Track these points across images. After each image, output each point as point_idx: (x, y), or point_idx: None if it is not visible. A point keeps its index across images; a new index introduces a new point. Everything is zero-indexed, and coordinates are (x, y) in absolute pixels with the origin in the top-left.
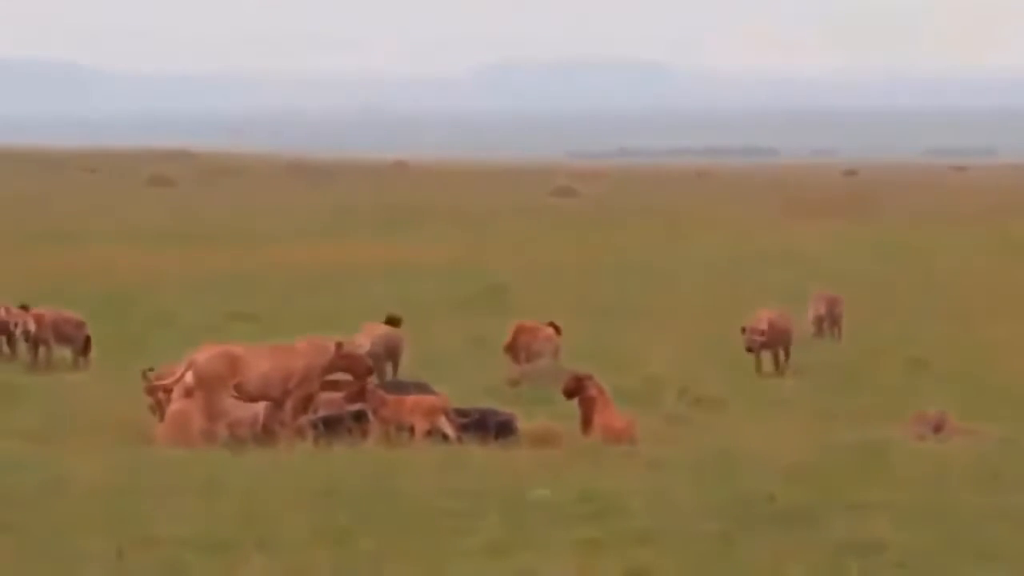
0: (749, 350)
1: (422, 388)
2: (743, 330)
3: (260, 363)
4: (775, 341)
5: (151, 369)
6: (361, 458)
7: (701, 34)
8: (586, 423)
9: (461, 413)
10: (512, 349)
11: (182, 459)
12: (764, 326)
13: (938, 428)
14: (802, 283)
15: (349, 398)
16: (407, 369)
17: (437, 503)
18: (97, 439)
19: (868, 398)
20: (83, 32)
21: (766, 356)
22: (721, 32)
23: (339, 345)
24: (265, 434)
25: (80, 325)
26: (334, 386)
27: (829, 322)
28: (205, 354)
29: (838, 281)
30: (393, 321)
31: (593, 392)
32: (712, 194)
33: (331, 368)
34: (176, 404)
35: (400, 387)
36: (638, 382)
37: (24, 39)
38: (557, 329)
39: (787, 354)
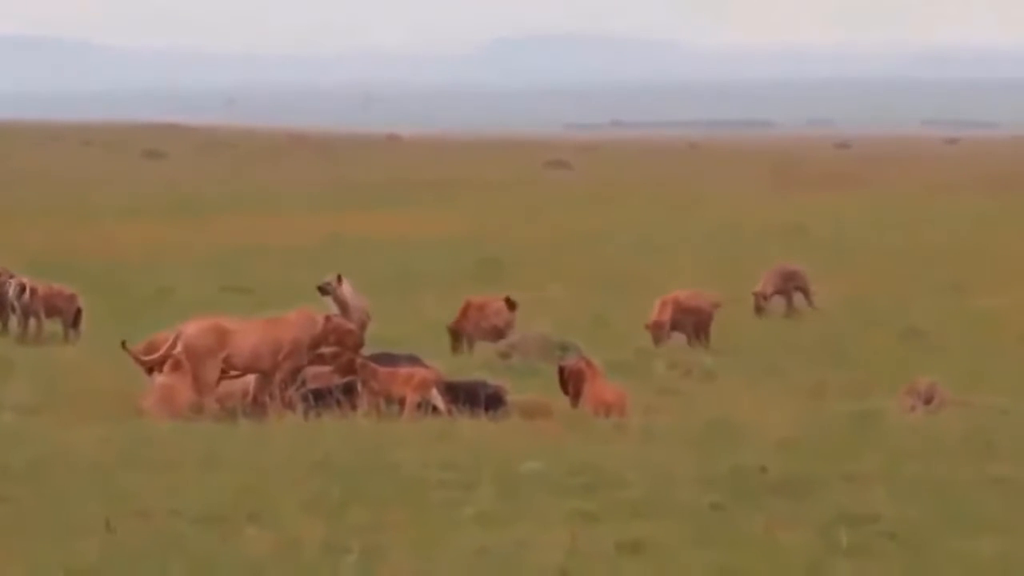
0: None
1: (414, 361)
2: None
3: (249, 335)
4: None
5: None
6: (352, 430)
7: (697, 7)
8: (575, 396)
9: (451, 387)
10: (460, 326)
11: (175, 432)
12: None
13: (928, 399)
14: (795, 254)
15: (340, 370)
16: (401, 342)
17: (429, 475)
18: (90, 412)
19: (862, 369)
20: (79, 7)
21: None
22: (717, 5)
23: (328, 318)
24: (255, 407)
25: (72, 298)
26: (324, 359)
27: (788, 296)
28: (194, 327)
29: (832, 252)
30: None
31: (580, 365)
32: (705, 166)
33: (321, 340)
34: (164, 377)
35: (392, 360)
36: (630, 354)
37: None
38: (511, 304)
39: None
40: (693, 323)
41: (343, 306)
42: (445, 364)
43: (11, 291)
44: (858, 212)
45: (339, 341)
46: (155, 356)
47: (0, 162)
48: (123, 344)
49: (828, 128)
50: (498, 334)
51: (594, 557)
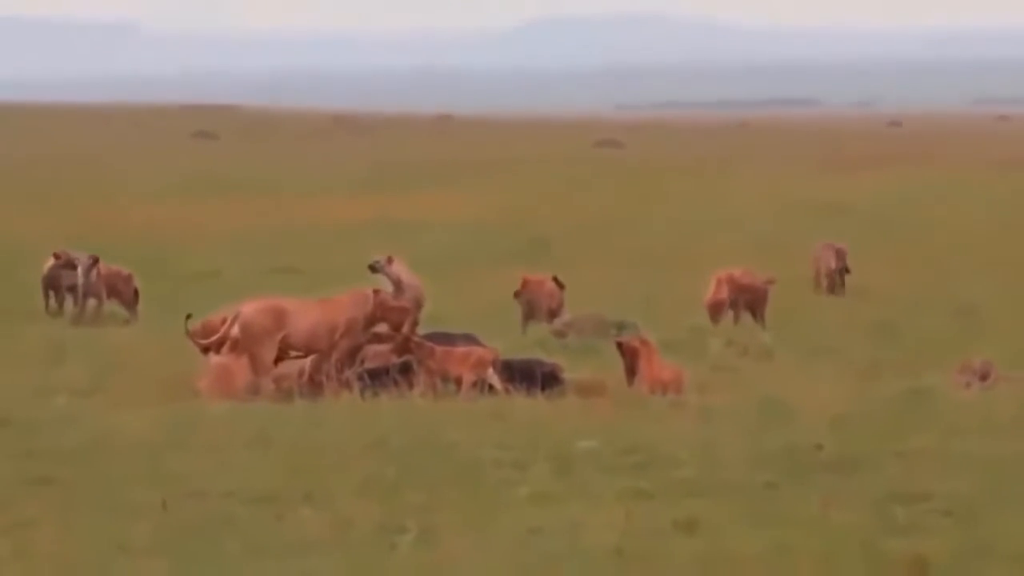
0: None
1: (471, 340)
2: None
3: (306, 315)
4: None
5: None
6: (408, 410)
7: None
8: (630, 374)
9: (507, 366)
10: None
11: (228, 413)
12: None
13: (984, 376)
14: (846, 233)
15: (397, 350)
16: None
17: (484, 454)
18: (143, 394)
19: (914, 347)
20: None
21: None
22: None
23: (376, 293)
24: (311, 387)
25: (129, 279)
26: (381, 339)
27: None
28: (251, 307)
29: (882, 230)
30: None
31: (635, 343)
32: (755, 145)
33: (372, 318)
34: (220, 358)
35: (448, 339)
36: (684, 332)
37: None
38: (559, 284)
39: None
40: (747, 301)
41: (396, 285)
42: (500, 343)
43: (80, 266)
44: (909, 190)
45: (386, 317)
46: (213, 338)
47: (49, 145)
48: (188, 317)
49: (878, 107)
50: (551, 314)
51: (649, 536)
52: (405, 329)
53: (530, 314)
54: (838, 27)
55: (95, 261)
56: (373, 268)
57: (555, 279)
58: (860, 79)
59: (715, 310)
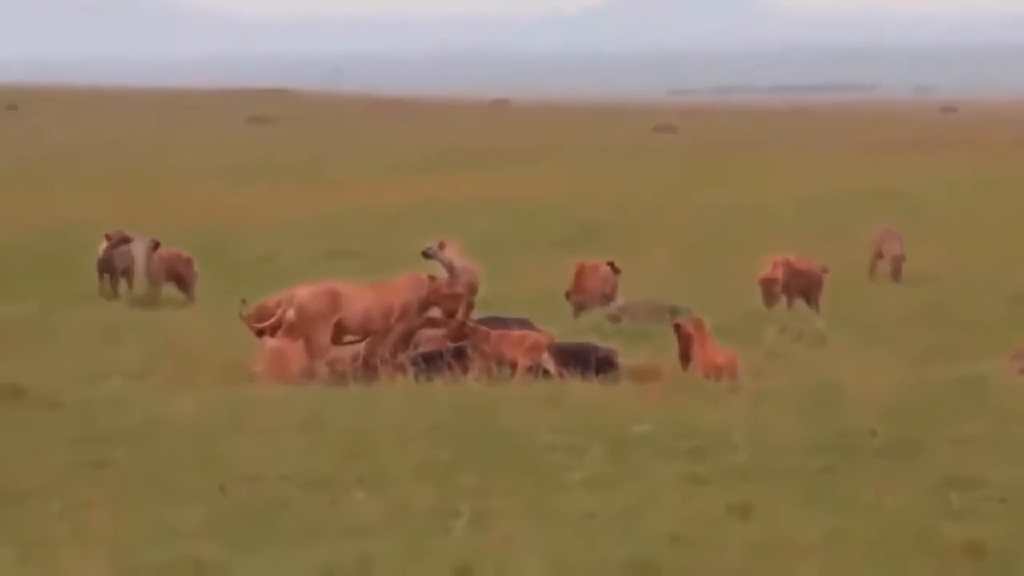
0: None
1: (525, 324)
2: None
3: (361, 299)
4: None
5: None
6: (463, 394)
7: None
8: (685, 359)
9: (562, 350)
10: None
11: (283, 396)
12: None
13: None
14: (899, 219)
15: (452, 335)
16: (509, 306)
17: (539, 438)
18: (198, 377)
19: (968, 333)
20: None
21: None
22: None
23: (431, 279)
24: (365, 371)
25: (189, 262)
26: (436, 323)
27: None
28: (307, 291)
29: (936, 216)
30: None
31: (689, 328)
32: (810, 130)
33: (427, 304)
34: (275, 342)
35: (503, 323)
36: (738, 318)
37: None
38: (615, 269)
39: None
40: (802, 286)
41: (449, 270)
42: (554, 327)
43: (142, 249)
44: (962, 176)
45: (440, 304)
46: (269, 321)
47: (104, 129)
48: (242, 302)
49: (933, 93)
50: (606, 299)
51: (703, 521)
52: (460, 314)
53: (582, 305)
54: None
55: (156, 244)
56: (426, 255)
57: (611, 264)
58: (917, 64)
59: (767, 287)
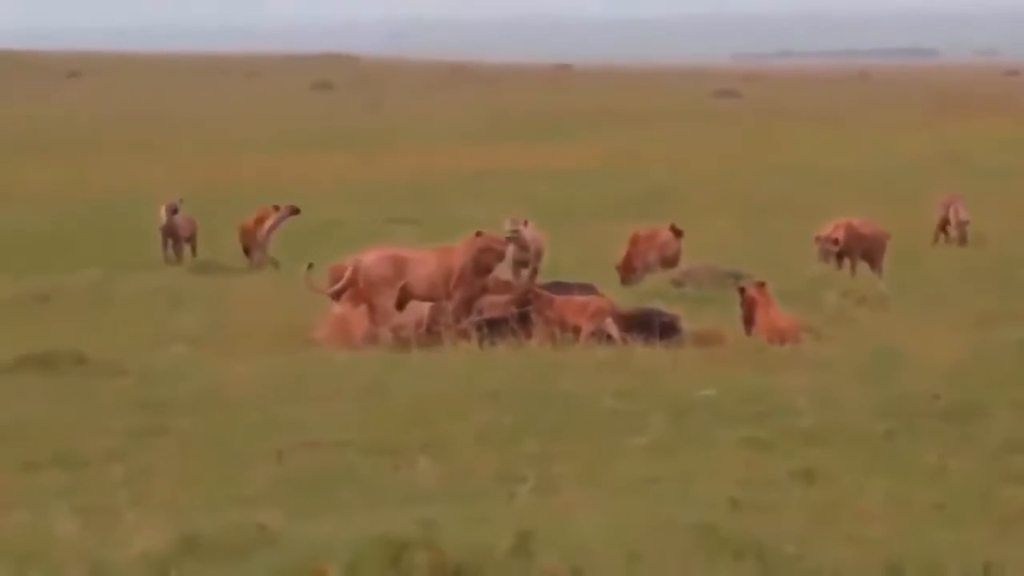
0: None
1: (587, 289)
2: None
3: (425, 264)
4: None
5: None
6: (526, 359)
7: None
8: (748, 324)
9: (625, 316)
10: (629, 259)
11: (345, 362)
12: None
13: None
14: (963, 183)
15: (517, 300)
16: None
17: (602, 403)
18: (260, 343)
19: None
20: None
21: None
22: None
23: (478, 234)
24: (429, 336)
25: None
26: (502, 288)
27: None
28: (371, 256)
29: (999, 179)
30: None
31: (753, 293)
32: (873, 94)
33: (481, 265)
34: (338, 307)
35: (565, 288)
36: (801, 283)
37: None
38: (677, 232)
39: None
40: (865, 250)
41: (523, 247)
42: (617, 293)
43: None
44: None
45: (480, 257)
46: (336, 287)
47: (166, 94)
48: (309, 266)
49: (995, 57)
50: (668, 263)
51: (768, 485)
52: (525, 278)
53: (631, 274)
54: None
55: (295, 211)
56: (512, 238)
57: (672, 227)
58: (980, 28)
59: (826, 245)
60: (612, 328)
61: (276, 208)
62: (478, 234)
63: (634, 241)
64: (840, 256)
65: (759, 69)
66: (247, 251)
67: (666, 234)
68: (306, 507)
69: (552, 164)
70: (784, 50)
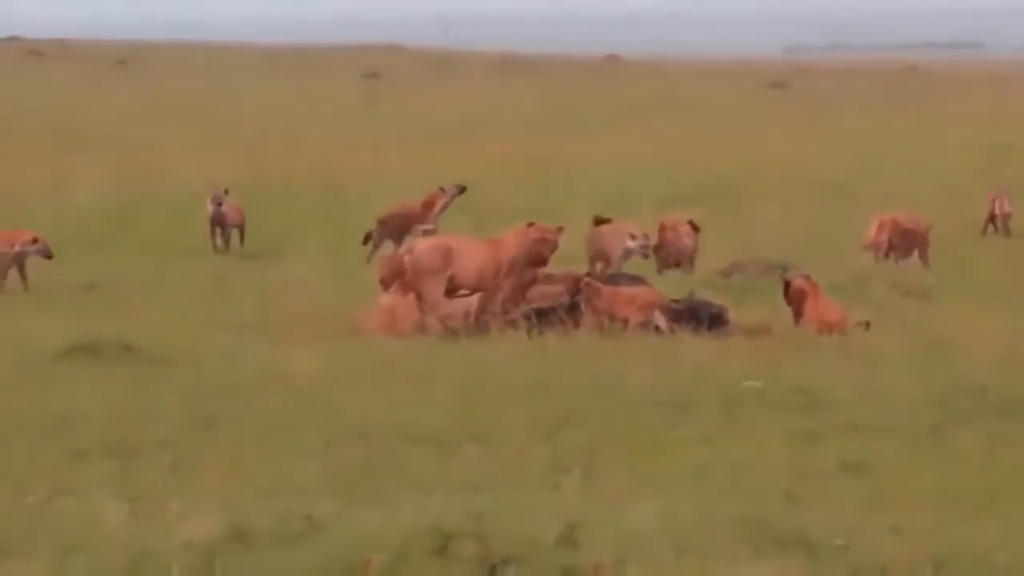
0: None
1: (636, 281)
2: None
3: (474, 254)
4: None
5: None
6: (574, 350)
7: None
8: (797, 315)
9: (674, 306)
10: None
11: (394, 351)
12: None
13: None
14: (1013, 175)
15: (568, 289)
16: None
17: (651, 395)
18: (310, 332)
19: None
20: None
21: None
22: None
23: (530, 225)
24: (477, 326)
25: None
26: (551, 279)
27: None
28: (422, 245)
29: None
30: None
31: (802, 284)
32: (921, 87)
33: (531, 253)
34: (388, 297)
35: (614, 280)
36: (848, 275)
37: None
38: (695, 227)
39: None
40: (909, 245)
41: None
42: (666, 284)
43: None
44: None
45: (533, 248)
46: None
47: (215, 83)
48: (367, 237)
49: None
50: (684, 257)
51: (816, 477)
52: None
53: (667, 261)
54: None
55: (462, 190)
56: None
57: (690, 223)
58: None
59: (875, 252)
60: (660, 320)
61: (442, 190)
62: (530, 224)
63: (661, 231)
64: (887, 251)
65: (809, 62)
66: (400, 234)
67: (684, 228)
68: (354, 497)
69: (604, 155)
70: (833, 42)
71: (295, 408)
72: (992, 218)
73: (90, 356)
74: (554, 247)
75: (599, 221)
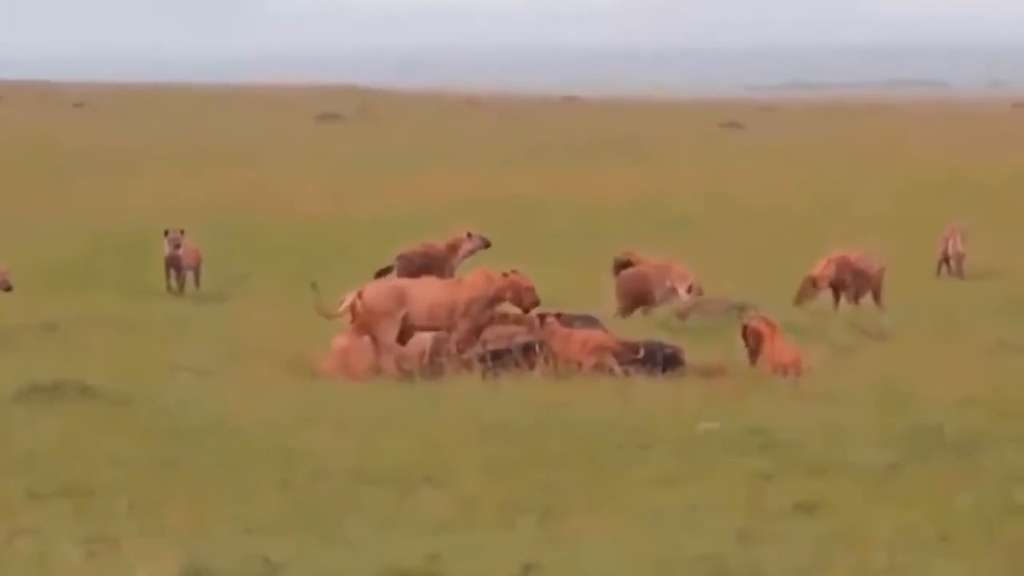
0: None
1: (589, 322)
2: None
3: (427, 295)
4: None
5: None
6: (529, 391)
7: None
8: (753, 356)
9: (629, 347)
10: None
11: (351, 393)
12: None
13: None
14: (972, 213)
15: (529, 330)
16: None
17: (606, 435)
18: (266, 372)
19: None
20: None
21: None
22: None
23: (505, 275)
24: (432, 368)
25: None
26: (508, 320)
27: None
28: (373, 287)
29: (1006, 208)
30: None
31: (759, 326)
32: (882, 125)
33: (498, 299)
34: (341, 339)
35: (567, 321)
36: (806, 315)
37: None
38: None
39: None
40: (863, 285)
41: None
42: (623, 324)
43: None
44: None
45: (516, 298)
46: (338, 311)
47: (172, 124)
48: (313, 286)
49: (1006, 90)
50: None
51: (772, 516)
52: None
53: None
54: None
55: (487, 244)
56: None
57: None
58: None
59: (808, 286)
60: (614, 364)
61: (469, 236)
62: (505, 275)
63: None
64: (835, 291)
65: (768, 100)
66: (419, 272)
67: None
68: (314, 537)
69: (564, 194)
70: (793, 81)
71: (253, 449)
72: (946, 258)
73: (49, 397)
74: (528, 292)
75: (622, 264)
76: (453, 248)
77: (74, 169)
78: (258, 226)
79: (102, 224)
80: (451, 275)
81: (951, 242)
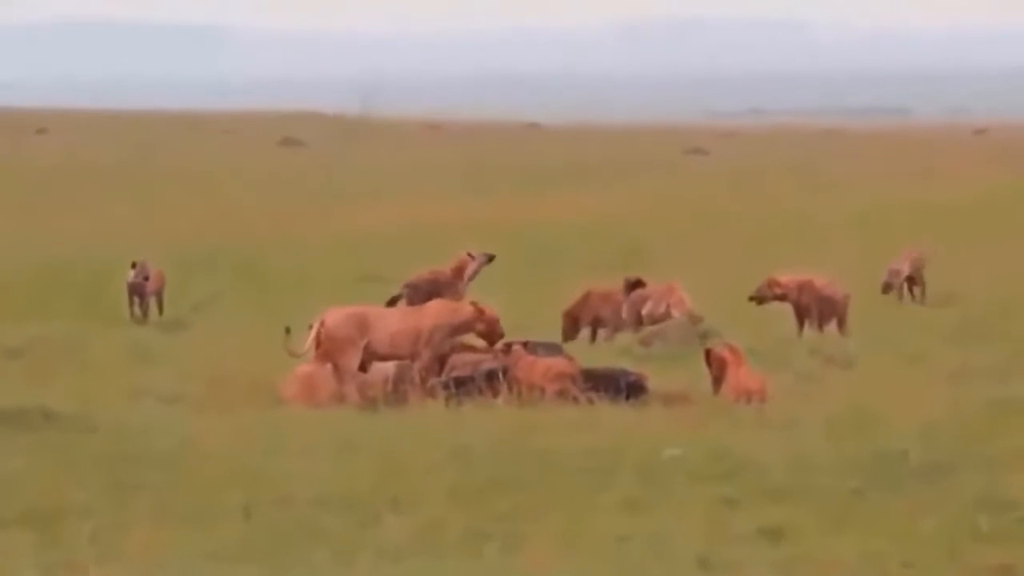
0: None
1: (552, 349)
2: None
3: (389, 323)
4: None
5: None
6: (493, 418)
7: None
8: (717, 383)
9: (591, 375)
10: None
11: (314, 420)
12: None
13: None
14: (933, 239)
15: (497, 356)
16: (544, 329)
17: (571, 462)
18: (229, 399)
19: (1003, 353)
20: None
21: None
22: None
23: (474, 305)
24: (395, 395)
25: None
26: (470, 348)
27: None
28: (334, 315)
29: (970, 235)
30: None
31: (724, 352)
32: (841, 152)
33: (464, 328)
34: (304, 366)
35: (529, 348)
36: (770, 341)
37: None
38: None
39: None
40: (823, 311)
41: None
42: (587, 351)
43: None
44: (994, 195)
45: (488, 329)
46: (307, 346)
47: (135, 149)
48: (287, 331)
49: (966, 115)
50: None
51: (735, 543)
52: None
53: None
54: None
55: (490, 258)
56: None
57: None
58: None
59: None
60: (576, 391)
61: (471, 256)
62: (474, 305)
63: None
64: (799, 316)
65: (729, 127)
66: (429, 298)
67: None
68: (275, 564)
69: (525, 220)
70: (753, 108)
71: (215, 475)
72: (911, 283)
73: (11, 423)
74: (491, 323)
75: (632, 284)
76: (459, 271)
77: (36, 195)
78: (220, 251)
79: (65, 250)
80: (461, 298)
81: (908, 265)
